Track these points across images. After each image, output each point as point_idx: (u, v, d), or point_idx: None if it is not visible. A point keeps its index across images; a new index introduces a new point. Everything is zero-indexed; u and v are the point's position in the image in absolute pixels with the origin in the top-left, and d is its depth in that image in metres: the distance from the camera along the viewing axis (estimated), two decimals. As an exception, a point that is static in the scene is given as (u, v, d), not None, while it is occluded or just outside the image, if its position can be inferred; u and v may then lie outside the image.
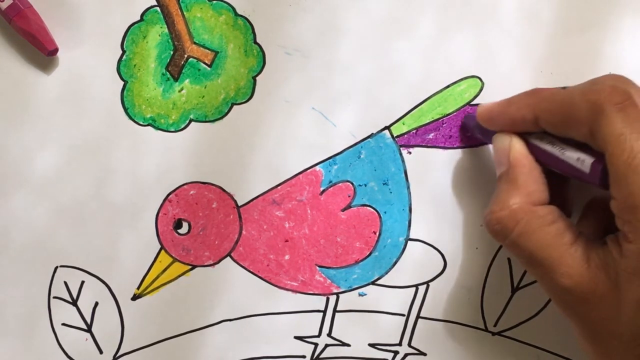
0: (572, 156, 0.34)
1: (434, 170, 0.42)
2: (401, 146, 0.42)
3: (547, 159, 0.36)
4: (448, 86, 0.42)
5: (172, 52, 0.42)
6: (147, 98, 0.42)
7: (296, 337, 0.42)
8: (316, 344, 0.42)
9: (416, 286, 0.42)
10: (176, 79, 0.42)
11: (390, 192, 0.42)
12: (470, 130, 0.41)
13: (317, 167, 0.42)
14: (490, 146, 0.41)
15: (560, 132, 0.35)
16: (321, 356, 0.42)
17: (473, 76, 0.42)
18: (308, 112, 0.42)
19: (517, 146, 0.36)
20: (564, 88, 0.36)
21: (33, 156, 0.42)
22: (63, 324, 0.42)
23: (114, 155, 0.42)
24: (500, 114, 0.37)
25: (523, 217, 0.35)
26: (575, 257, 0.33)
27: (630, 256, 0.32)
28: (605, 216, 0.35)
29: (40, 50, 0.41)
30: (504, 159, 0.37)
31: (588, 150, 0.34)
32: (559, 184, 0.38)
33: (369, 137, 0.42)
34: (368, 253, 0.42)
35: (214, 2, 0.42)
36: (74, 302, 0.42)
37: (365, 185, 0.42)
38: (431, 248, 0.42)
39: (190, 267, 0.42)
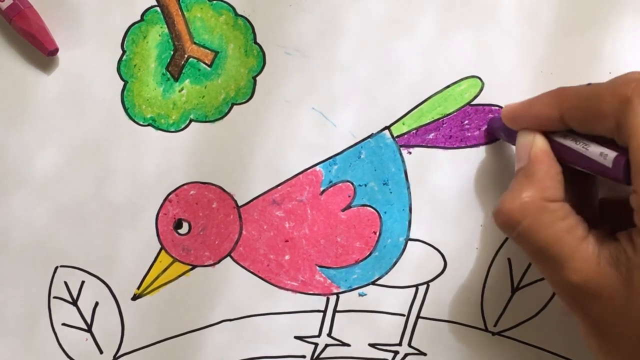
0: (595, 151, 0.34)
1: (434, 170, 0.42)
2: (401, 146, 0.42)
3: (571, 156, 0.35)
4: (448, 86, 0.42)
5: (172, 52, 0.42)
6: (147, 98, 0.42)
7: (296, 337, 0.42)
8: (316, 344, 0.42)
9: (416, 286, 0.42)
10: (176, 79, 0.42)
11: (391, 192, 0.42)
12: (495, 133, 0.41)
13: (317, 167, 0.42)
14: (491, 146, 0.42)
15: (587, 128, 0.34)
16: (321, 356, 0.42)
17: (473, 76, 0.42)
18: (308, 112, 0.42)
19: (540, 142, 0.36)
20: (588, 84, 0.36)
21: (33, 156, 0.42)
22: (63, 324, 0.42)
23: (114, 155, 0.42)
24: (524, 113, 0.37)
25: (533, 210, 0.34)
26: (586, 253, 0.33)
27: None
28: (618, 215, 0.35)
29: (40, 50, 0.41)
30: (524, 154, 0.36)
31: (612, 146, 0.34)
32: (584, 186, 0.37)
33: (369, 137, 0.42)
34: (368, 253, 0.42)
35: (214, 2, 0.42)
36: (74, 302, 0.42)
37: (366, 185, 0.42)
38: (431, 248, 0.42)
39: (190, 267, 0.42)
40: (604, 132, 0.34)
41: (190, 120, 0.42)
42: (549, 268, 0.34)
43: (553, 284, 0.35)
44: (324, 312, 0.42)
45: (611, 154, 0.33)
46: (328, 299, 0.42)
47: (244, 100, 0.42)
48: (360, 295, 0.42)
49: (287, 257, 0.42)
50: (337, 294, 0.42)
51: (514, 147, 0.41)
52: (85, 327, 0.42)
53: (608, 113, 0.33)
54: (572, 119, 0.35)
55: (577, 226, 0.34)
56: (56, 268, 0.42)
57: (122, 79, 0.42)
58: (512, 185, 0.36)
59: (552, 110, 0.36)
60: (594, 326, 0.34)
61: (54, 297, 0.42)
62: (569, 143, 0.36)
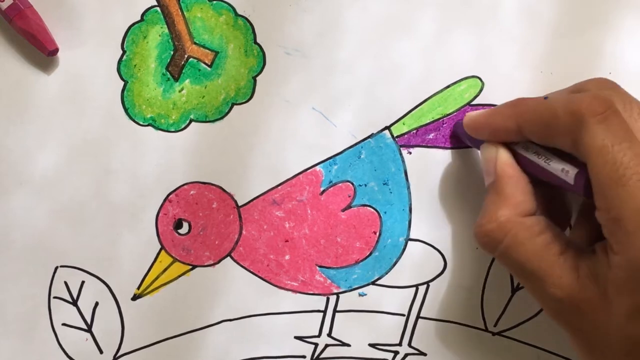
0: (557, 167, 0.34)
1: (434, 170, 0.42)
2: (401, 146, 0.42)
3: (534, 169, 0.36)
4: (448, 86, 0.42)
5: (172, 52, 0.42)
6: (148, 98, 0.42)
7: (296, 337, 0.42)
8: (316, 344, 0.42)
9: (416, 286, 0.42)
10: (176, 79, 0.42)
11: (391, 192, 0.42)
12: (460, 138, 0.41)
13: (317, 167, 0.42)
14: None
15: (544, 142, 0.35)
16: (321, 356, 0.42)
17: (473, 76, 0.42)
18: (308, 112, 0.42)
19: (504, 156, 0.36)
20: (545, 97, 0.36)
21: (33, 156, 0.42)
22: (63, 324, 0.42)
23: (114, 155, 0.42)
24: (485, 123, 0.37)
25: (511, 229, 0.34)
26: (564, 268, 0.33)
27: (617, 267, 0.31)
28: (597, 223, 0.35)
29: (40, 50, 0.41)
30: (491, 168, 0.37)
31: (573, 160, 0.34)
32: (554, 193, 0.37)
33: (369, 137, 0.42)
34: (368, 253, 0.42)
35: (214, 2, 0.42)
36: (74, 302, 0.42)
37: (366, 185, 0.42)
38: (431, 248, 0.42)
39: (190, 267, 0.42)
40: (561, 147, 0.34)
41: (191, 120, 0.42)
42: (532, 284, 0.34)
43: (537, 298, 0.35)
44: (324, 312, 0.42)
45: (572, 171, 0.33)
46: (328, 299, 0.42)
47: (244, 100, 0.42)
48: (360, 295, 0.42)
49: (287, 257, 0.42)
50: (337, 294, 0.42)
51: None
52: (85, 327, 0.42)
53: (563, 131, 0.33)
54: (530, 133, 0.35)
55: (555, 240, 0.34)
56: (56, 268, 0.42)
57: (122, 79, 0.42)
58: (486, 204, 0.36)
59: (510, 123, 0.36)
60: (579, 338, 0.34)
61: (54, 297, 0.42)
62: (530, 156, 0.36)
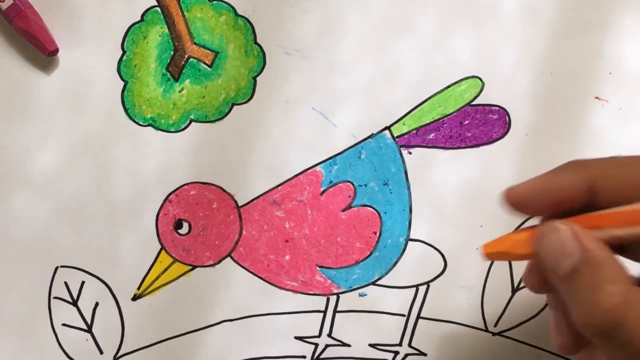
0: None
1: (434, 171, 0.42)
2: (401, 146, 0.42)
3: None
4: (448, 86, 0.42)
5: (172, 53, 0.42)
6: (148, 98, 0.42)
7: (296, 338, 0.42)
8: (316, 344, 0.42)
9: (416, 286, 0.42)
10: (176, 79, 0.42)
11: (391, 193, 0.42)
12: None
13: (318, 168, 0.42)
14: (491, 146, 0.42)
15: (620, 198, 0.30)
16: (321, 356, 0.42)
17: (473, 76, 0.42)
18: (308, 112, 0.42)
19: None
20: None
21: (33, 156, 0.42)
22: (63, 324, 0.42)
23: (114, 155, 0.42)
24: (544, 189, 0.32)
25: (634, 299, 0.29)
26: None
27: None
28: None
29: (40, 50, 0.41)
30: (571, 248, 0.30)
31: None
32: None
33: (369, 137, 0.42)
34: (368, 253, 0.42)
35: (215, 2, 0.42)
36: (74, 303, 0.42)
37: (366, 185, 0.42)
38: (431, 248, 0.42)
39: (190, 267, 0.42)
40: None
41: (191, 121, 0.42)
42: None
43: None
44: (324, 312, 0.42)
45: None
46: (328, 299, 0.42)
47: (244, 101, 0.42)
48: (361, 295, 0.42)
49: (287, 258, 0.42)
50: (338, 294, 0.42)
51: (512, 146, 0.41)
52: (86, 328, 0.42)
53: None
54: (604, 188, 0.31)
55: None
56: (56, 268, 0.42)
57: (122, 79, 0.42)
58: (584, 284, 0.29)
59: (579, 182, 0.31)
60: None
61: (54, 298, 0.42)
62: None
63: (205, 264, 0.42)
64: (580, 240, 0.30)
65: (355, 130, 0.42)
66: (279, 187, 0.42)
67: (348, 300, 0.42)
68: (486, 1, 0.42)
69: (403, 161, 0.42)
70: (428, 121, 0.42)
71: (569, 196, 0.31)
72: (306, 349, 0.42)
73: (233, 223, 0.42)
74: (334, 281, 0.42)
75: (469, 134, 0.41)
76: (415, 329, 0.42)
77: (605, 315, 0.29)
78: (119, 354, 0.42)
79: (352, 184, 0.42)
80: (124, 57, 0.42)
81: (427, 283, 0.42)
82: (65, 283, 0.42)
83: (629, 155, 0.32)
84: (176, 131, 0.42)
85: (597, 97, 0.42)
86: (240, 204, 0.42)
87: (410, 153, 0.42)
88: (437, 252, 0.42)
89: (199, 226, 0.42)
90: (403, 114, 0.42)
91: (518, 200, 0.33)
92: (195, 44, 0.42)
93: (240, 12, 0.42)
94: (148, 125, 0.42)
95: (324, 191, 0.42)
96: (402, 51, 0.42)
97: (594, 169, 0.31)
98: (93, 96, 0.42)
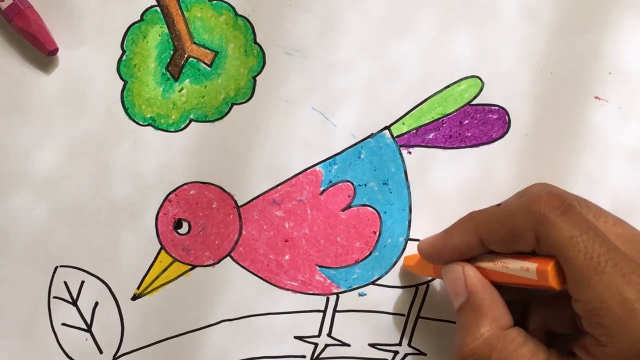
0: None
1: (434, 170, 0.42)
2: (401, 146, 0.42)
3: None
4: (448, 86, 0.42)
5: (172, 52, 0.42)
6: (147, 98, 0.42)
7: (296, 337, 0.42)
8: (316, 344, 0.42)
9: (416, 286, 0.42)
10: (176, 79, 0.42)
11: (390, 192, 0.42)
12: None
13: (317, 167, 0.42)
14: (490, 146, 0.42)
15: (507, 247, 0.35)
16: (321, 356, 0.42)
17: (473, 76, 0.42)
18: (308, 112, 0.42)
19: (472, 273, 0.36)
20: (498, 205, 0.37)
21: (33, 156, 0.42)
22: (63, 324, 0.42)
23: (114, 155, 0.42)
24: (444, 245, 0.37)
25: (497, 343, 0.34)
26: None
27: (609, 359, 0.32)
28: (551, 314, 0.36)
29: (40, 50, 0.41)
30: (460, 289, 0.36)
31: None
32: (522, 299, 0.38)
33: (369, 137, 0.42)
34: (368, 253, 0.42)
35: (214, 2, 0.42)
36: (74, 302, 0.42)
37: (365, 185, 0.42)
38: (431, 248, 0.42)
39: (190, 267, 0.42)
40: (524, 249, 0.34)
41: (190, 120, 0.42)
42: None
43: None
44: (324, 312, 0.42)
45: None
46: (328, 299, 0.42)
47: (244, 100, 0.42)
48: (360, 295, 0.42)
49: (287, 257, 0.42)
50: (337, 294, 0.42)
51: (512, 146, 0.41)
52: (85, 327, 0.42)
53: (526, 231, 0.33)
54: (491, 241, 0.35)
55: (539, 349, 0.34)
56: (56, 268, 0.42)
57: (122, 79, 0.42)
58: (463, 324, 0.36)
59: (471, 237, 0.36)
60: None
61: (54, 297, 0.42)
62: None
63: (205, 264, 0.42)
64: (467, 282, 0.36)
65: (355, 130, 0.42)
66: (279, 187, 0.42)
67: (348, 300, 0.42)
68: (486, 1, 0.42)
69: (403, 161, 0.42)
70: (428, 121, 0.42)
71: (464, 252, 0.36)
72: (306, 349, 0.42)
73: (233, 223, 0.42)
74: (333, 281, 0.42)
75: (469, 134, 0.41)
76: (415, 329, 0.42)
77: (470, 354, 0.34)
78: (119, 354, 0.42)
79: (352, 183, 0.42)
80: (124, 57, 0.42)
81: (427, 283, 0.42)
82: (65, 283, 0.42)
83: (509, 204, 0.36)
84: (176, 131, 0.42)
85: (597, 97, 0.42)
86: (240, 204, 0.42)
87: (410, 153, 0.42)
88: (436, 251, 0.42)
89: (198, 226, 0.42)
90: (403, 113, 0.42)
91: (427, 252, 0.38)
92: (195, 43, 0.42)
93: (240, 11, 0.42)
94: (148, 125, 0.42)
95: (323, 191, 0.42)
96: (401, 51, 0.42)
97: (481, 225, 0.35)
98: (93, 96, 0.42)
